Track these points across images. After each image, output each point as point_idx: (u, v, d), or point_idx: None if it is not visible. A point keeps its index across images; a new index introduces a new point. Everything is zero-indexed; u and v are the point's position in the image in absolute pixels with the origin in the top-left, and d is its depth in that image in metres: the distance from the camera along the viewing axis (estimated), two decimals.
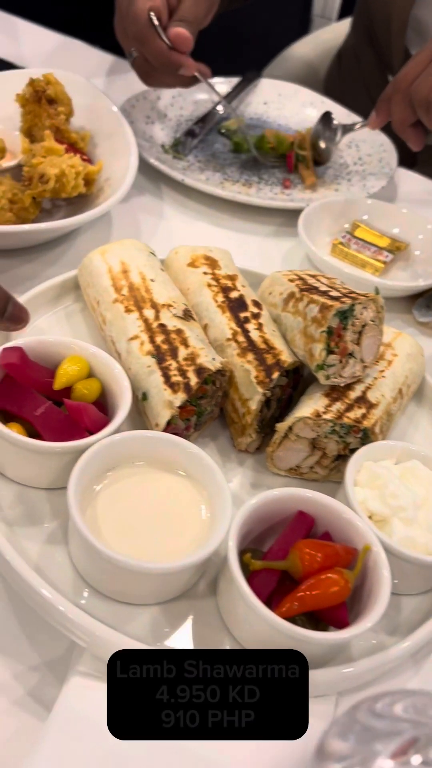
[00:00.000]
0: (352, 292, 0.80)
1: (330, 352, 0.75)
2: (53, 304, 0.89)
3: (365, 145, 1.31)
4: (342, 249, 1.10)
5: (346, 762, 0.39)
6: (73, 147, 1.08)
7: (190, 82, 1.15)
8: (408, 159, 1.35)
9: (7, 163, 1.06)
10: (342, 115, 1.33)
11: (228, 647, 0.62)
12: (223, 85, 1.40)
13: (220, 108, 1.34)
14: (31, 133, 1.09)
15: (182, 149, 1.26)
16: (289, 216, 1.15)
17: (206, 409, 0.78)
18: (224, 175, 1.23)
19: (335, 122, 1.26)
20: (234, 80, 1.41)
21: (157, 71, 1.12)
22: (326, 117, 1.27)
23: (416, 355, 0.89)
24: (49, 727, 0.53)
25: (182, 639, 0.62)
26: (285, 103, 1.42)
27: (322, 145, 1.25)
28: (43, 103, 1.06)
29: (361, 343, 0.78)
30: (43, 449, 0.65)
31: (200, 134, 1.29)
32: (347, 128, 1.25)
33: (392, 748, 0.38)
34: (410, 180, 1.33)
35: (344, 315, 0.76)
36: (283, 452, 0.77)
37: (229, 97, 1.37)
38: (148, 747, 0.51)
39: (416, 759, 0.38)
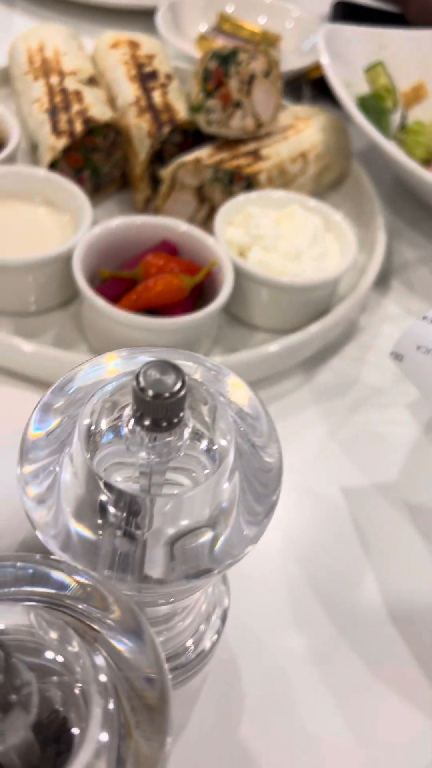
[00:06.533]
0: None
1: (210, 96, 0.77)
2: None
3: None
4: (208, 44, 1.05)
5: None
6: None
7: None
8: None
9: None
10: None
11: (84, 352, 0.68)
12: None
13: None
14: None
15: None
16: (143, 17, 1.09)
17: (102, 167, 0.81)
18: None
19: None
20: None
21: None
22: None
23: (334, 129, 0.88)
24: None
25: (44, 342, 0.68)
26: None
27: None
28: None
29: (252, 95, 0.78)
30: None
31: None
32: None
33: None
34: None
35: (225, 60, 0.76)
36: (172, 204, 0.79)
37: None
38: None
39: None
